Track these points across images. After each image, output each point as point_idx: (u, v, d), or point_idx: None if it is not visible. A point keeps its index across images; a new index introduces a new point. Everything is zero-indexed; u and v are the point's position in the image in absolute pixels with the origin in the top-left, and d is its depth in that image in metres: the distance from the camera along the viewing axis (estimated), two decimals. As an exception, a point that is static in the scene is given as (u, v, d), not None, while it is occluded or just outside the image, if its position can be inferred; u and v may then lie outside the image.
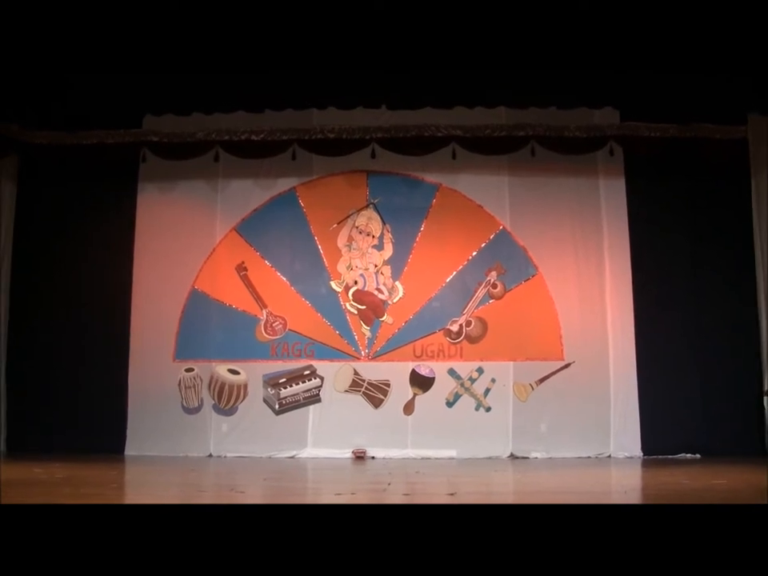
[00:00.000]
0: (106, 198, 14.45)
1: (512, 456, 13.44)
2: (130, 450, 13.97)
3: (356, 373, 13.96)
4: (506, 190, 14.16)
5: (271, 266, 14.30)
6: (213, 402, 14.08)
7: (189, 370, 14.20)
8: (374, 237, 14.30)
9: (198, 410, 14.16)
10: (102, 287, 14.36)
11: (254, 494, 9.47)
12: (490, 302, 13.98)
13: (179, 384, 14.18)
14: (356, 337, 14.06)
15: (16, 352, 14.27)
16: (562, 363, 13.69)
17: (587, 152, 13.84)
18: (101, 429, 13.84)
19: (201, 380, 14.14)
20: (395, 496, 9.03)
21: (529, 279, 13.98)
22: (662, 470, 11.35)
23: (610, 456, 13.32)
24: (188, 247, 14.45)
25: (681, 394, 13.36)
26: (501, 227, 14.07)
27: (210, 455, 13.85)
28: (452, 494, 8.74)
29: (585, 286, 13.86)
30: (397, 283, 14.14)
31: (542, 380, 13.70)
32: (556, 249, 13.98)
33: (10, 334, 14.63)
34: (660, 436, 13.34)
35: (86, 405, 13.75)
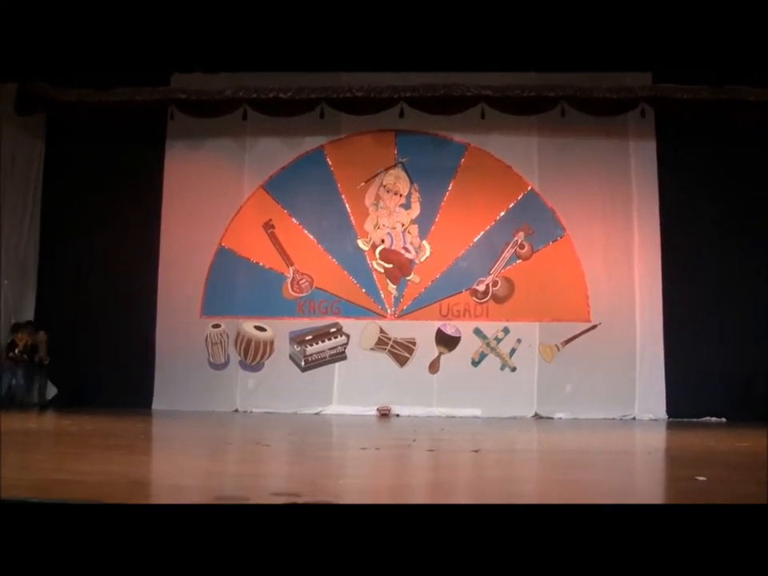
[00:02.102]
0: (134, 156, 14.50)
1: (536, 416, 13.49)
2: (157, 405, 14.14)
3: (382, 331, 14.01)
4: (534, 150, 14.09)
5: (298, 224, 14.33)
6: (239, 358, 14.19)
7: (216, 326, 14.31)
8: (401, 196, 14.29)
9: (224, 365, 14.28)
10: (129, 245, 14.46)
11: (280, 448, 9.58)
12: (517, 262, 13.97)
13: (206, 340, 14.30)
14: (382, 295, 14.10)
15: (45, 310, 14.40)
16: (589, 325, 13.68)
17: (618, 113, 13.72)
18: (129, 384, 14.01)
19: (227, 336, 14.25)
20: (419, 453, 9.11)
21: (556, 240, 13.94)
22: (686, 432, 11.37)
23: (634, 418, 13.33)
24: (215, 205, 14.51)
25: (707, 358, 13.32)
26: (529, 188, 14.01)
27: (237, 410, 13.99)
28: (476, 451, 8.80)
29: (612, 248, 13.80)
30: (424, 242, 14.14)
31: (567, 341, 13.71)
32: (584, 210, 13.92)
33: (39, 293, 14.78)
34: (685, 399, 13.34)
35: (115, 361, 13.90)
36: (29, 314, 14.70)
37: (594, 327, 13.67)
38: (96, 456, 8.23)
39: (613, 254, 13.81)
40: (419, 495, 6.21)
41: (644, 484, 6.96)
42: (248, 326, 14.23)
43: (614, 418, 13.24)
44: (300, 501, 4.86)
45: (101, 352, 13.81)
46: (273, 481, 6.90)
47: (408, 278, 14.11)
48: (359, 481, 6.73)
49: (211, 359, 14.32)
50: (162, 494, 5.75)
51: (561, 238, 13.91)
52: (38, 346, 14.02)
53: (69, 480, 6.31)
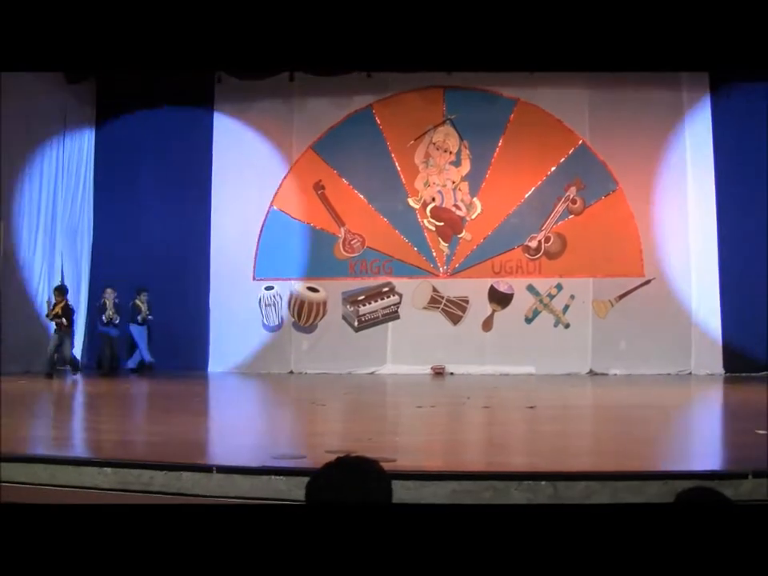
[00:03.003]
0: (183, 121, 14.53)
1: (591, 372, 13.40)
2: (212, 368, 14.28)
3: (434, 289, 13.98)
4: (585, 103, 13.85)
5: (348, 184, 14.30)
6: (293, 320, 14.25)
7: (269, 288, 14.38)
8: (451, 153, 14.18)
9: (278, 327, 14.37)
10: (180, 209, 14.53)
11: (334, 407, 9.65)
12: (569, 217, 13.81)
13: (259, 302, 14.38)
14: (434, 254, 14.04)
15: (100, 278, 14.55)
16: (643, 279, 13.50)
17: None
18: (184, 347, 14.15)
19: (281, 298, 14.32)
20: (475, 410, 9.11)
21: (609, 195, 13.74)
22: (744, 387, 11.25)
23: (690, 373, 13.17)
24: (265, 167, 14.52)
25: (764, 313, 13.08)
26: (580, 142, 13.82)
27: (291, 372, 14.07)
28: (532, 407, 8.79)
29: (667, 202, 13.56)
30: (475, 199, 14.04)
31: (621, 296, 13.56)
32: (637, 163, 13.66)
33: (94, 260, 14.96)
34: (742, 354, 13.12)
35: (170, 325, 14.02)
36: (83, 280, 14.89)
37: (648, 282, 13.50)
38: (155, 417, 8.37)
39: (667, 208, 13.57)
40: (476, 452, 6.22)
41: (702, 438, 6.91)
42: (301, 288, 14.28)
43: (669, 374, 13.09)
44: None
45: (155, 317, 13.95)
46: (328, 439, 6.95)
47: (459, 236, 14.04)
48: (415, 438, 6.76)
49: (265, 321, 14.41)
50: (220, 454, 5.82)
51: (613, 192, 13.71)
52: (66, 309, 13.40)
53: (129, 440, 6.42)
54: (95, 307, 14.06)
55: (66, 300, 13.27)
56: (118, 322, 13.61)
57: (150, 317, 13.88)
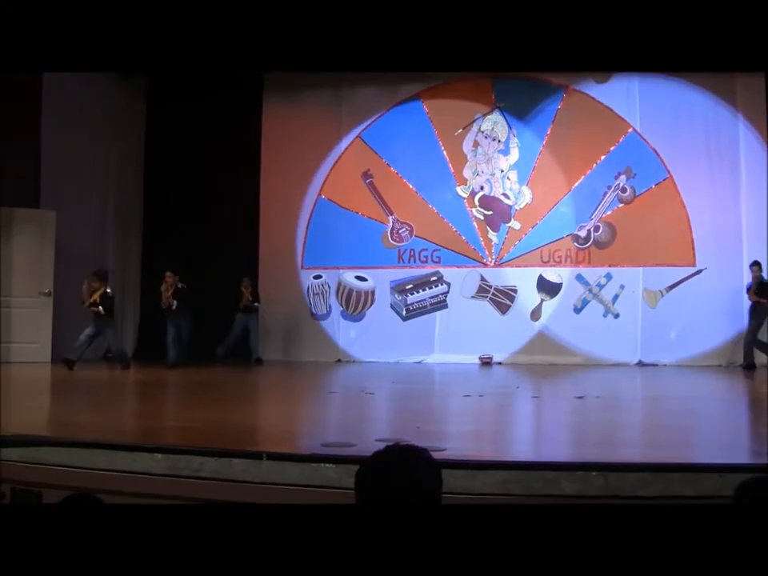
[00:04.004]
0: (232, 110, 14.60)
1: (640, 363, 13.25)
2: (260, 355, 14.33)
3: (483, 279, 13.93)
4: (636, 91, 13.68)
5: (396, 173, 14.29)
6: (341, 309, 14.30)
7: (317, 277, 14.44)
8: (499, 141, 14.10)
9: (326, 316, 14.43)
10: (230, 197, 14.64)
11: (382, 396, 9.67)
12: (619, 206, 13.66)
13: (307, 291, 14.45)
14: (482, 242, 13.99)
15: (150, 263, 14.71)
16: (694, 269, 13.31)
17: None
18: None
19: (329, 287, 14.37)
20: (523, 400, 9.08)
21: (660, 183, 13.56)
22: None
23: (741, 365, 12.96)
24: (314, 156, 14.56)
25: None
26: (630, 130, 13.66)
27: (339, 360, 14.12)
28: (581, 397, 8.74)
29: (719, 190, 13.35)
30: (524, 188, 13.95)
31: (672, 286, 13.39)
32: (688, 151, 13.47)
33: (144, 246, 15.13)
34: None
35: (219, 312, 14.11)
36: (134, 266, 15.06)
37: (699, 272, 13.32)
38: (205, 405, 8.44)
39: (719, 197, 13.36)
40: (525, 442, 6.20)
41: (758, 431, 6.80)
42: (349, 277, 14.32)
43: (720, 365, 12.91)
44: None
45: (204, 304, 14.04)
46: (377, 427, 6.97)
47: (508, 225, 13.97)
48: (464, 427, 6.76)
49: (313, 310, 14.48)
50: (269, 441, 5.86)
51: (664, 180, 13.53)
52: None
53: (181, 427, 6.49)
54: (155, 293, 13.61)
55: (106, 286, 12.31)
56: (176, 307, 12.90)
57: (256, 304, 13.85)
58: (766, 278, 12.48)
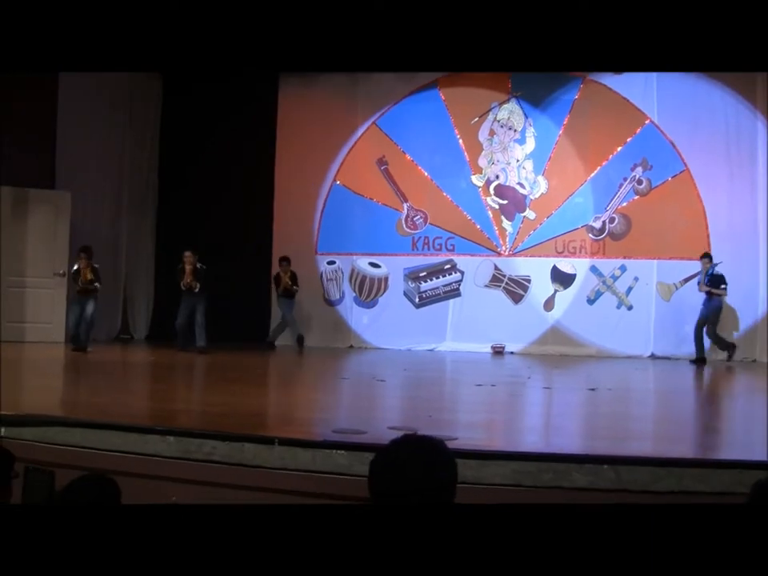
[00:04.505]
0: (248, 95, 14.55)
1: (653, 356, 13.21)
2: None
3: (496, 268, 13.91)
4: (653, 82, 13.58)
5: (412, 160, 14.26)
6: (354, 295, 14.30)
7: (330, 263, 14.45)
8: (515, 131, 14.05)
9: (339, 302, 14.44)
10: (245, 181, 14.63)
11: (394, 383, 9.68)
12: (635, 198, 13.60)
13: (321, 276, 14.46)
14: (497, 231, 13.96)
15: (165, 249, 14.72)
16: (709, 263, 13.24)
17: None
18: (246, 319, 14.23)
19: (342, 273, 14.38)
20: (535, 390, 9.07)
21: (676, 176, 13.48)
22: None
23: (755, 360, 12.90)
24: (329, 141, 14.54)
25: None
26: (648, 121, 13.58)
27: (351, 346, 14.13)
28: (592, 389, 8.73)
29: (736, 184, 13.25)
30: (539, 178, 13.90)
31: (686, 280, 13.33)
32: (706, 144, 13.37)
33: (158, 229, 15.15)
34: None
35: (231, 296, 14.12)
36: (148, 249, 15.09)
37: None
38: (216, 388, 8.47)
39: (736, 190, 13.27)
40: (536, 433, 6.20)
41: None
42: (363, 263, 14.32)
43: (734, 360, 12.84)
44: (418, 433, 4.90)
45: (218, 287, 14.06)
46: (389, 414, 6.98)
47: (523, 215, 13.93)
48: (476, 416, 6.76)
49: (326, 295, 14.48)
50: (281, 426, 5.87)
51: (681, 173, 13.46)
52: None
53: (191, 410, 6.50)
54: (169, 275, 13.46)
55: (92, 262, 12.21)
56: (198, 289, 12.61)
57: (295, 287, 13.74)
58: (715, 270, 12.48)
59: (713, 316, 12.44)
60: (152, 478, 4.60)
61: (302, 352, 13.43)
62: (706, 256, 12.51)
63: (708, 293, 12.43)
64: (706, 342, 12.55)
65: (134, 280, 14.88)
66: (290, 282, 13.68)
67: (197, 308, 12.62)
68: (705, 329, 12.47)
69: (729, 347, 12.57)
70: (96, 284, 12.19)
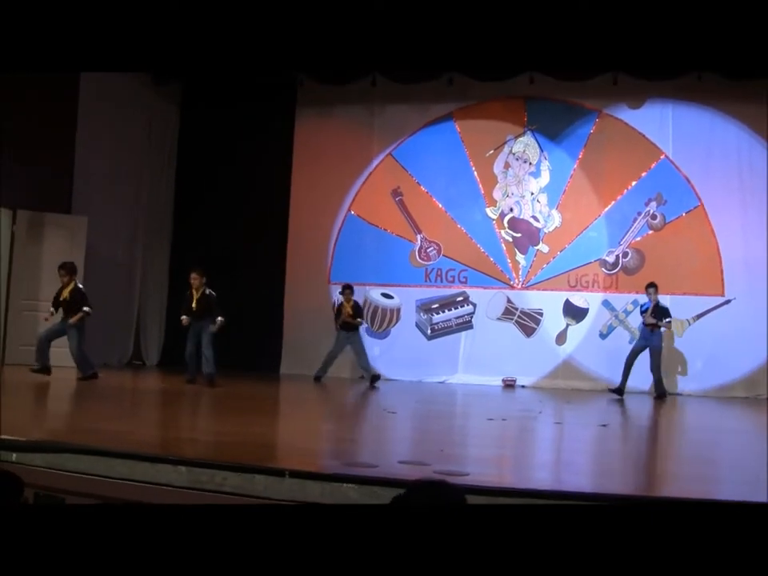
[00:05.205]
0: (265, 123, 14.67)
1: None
2: (284, 369, 14.38)
3: (509, 301, 13.89)
4: (669, 117, 13.62)
5: (426, 192, 14.30)
6: (366, 325, 14.27)
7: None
8: (531, 164, 14.09)
9: (351, 332, 14.41)
10: (259, 210, 14.68)
11: (405, 415, 9.64)
12: (649, 233, 13.60)
13: (333, 306, 14.44)
14: (510, 264, 13.96)
15: (177, 272, 14.75)
16: (722, 299, 13.21)
17: (760, 77, 13.03)
18: (257, 348, 14.25)
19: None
20: (546, 425, 9.03)
21: (690, 211, 13.48)
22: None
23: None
24: (344, 171, 14.60)
25: None
26: (663, 156, 13.60)
27: (362, 377, 14.07)
28: (604, 425, 8.68)
29: (751, 220, 13.21)
30: (553, 211, 13.92)
31: (699, 316, 13.30)
32: (721, 180, 13.37)
33: (173, 253, 15.19)
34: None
35: (244, 325, 14.13)
36: (163, 274, 15.13)
37: (727, 302, 13.21)
38: (227, 417, 8.45)
39: (751, 226, 13.23)
40: (546, 469, 6.16)
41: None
42: (375, 294, 14.33)
43: (747, 397, 12.77)
44: (428, 470, 4.89)
45: (229, 314, 14.06)
46: (400, 448, 6.95)
47: (536, 248, 13.93)
48: (487, 451, 6.72)
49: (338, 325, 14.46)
50: (292, 458, 5.85)
51: (695, 208, 13.46)
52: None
53: (203, 440, 6.49)
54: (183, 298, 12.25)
55: (76, 281, 11.23)
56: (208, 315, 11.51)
57: (358, 320, 12.99)
58: (661, 303, 12.37)
59: (657, 352, 12.24)
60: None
61: (373, 389, 12.38)
62: (652, 286, 12.36)
63: (653, 325, 12.22)
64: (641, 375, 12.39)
65: (147, 305, 14.91)
66: (350, 313, 12.95)
67: (203, 336, 11.53)
68: (650, 365, 12.22)
69: (662, 395, 12.21)
70: (85, 308, 10.95)
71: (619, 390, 12.09)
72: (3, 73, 10.61)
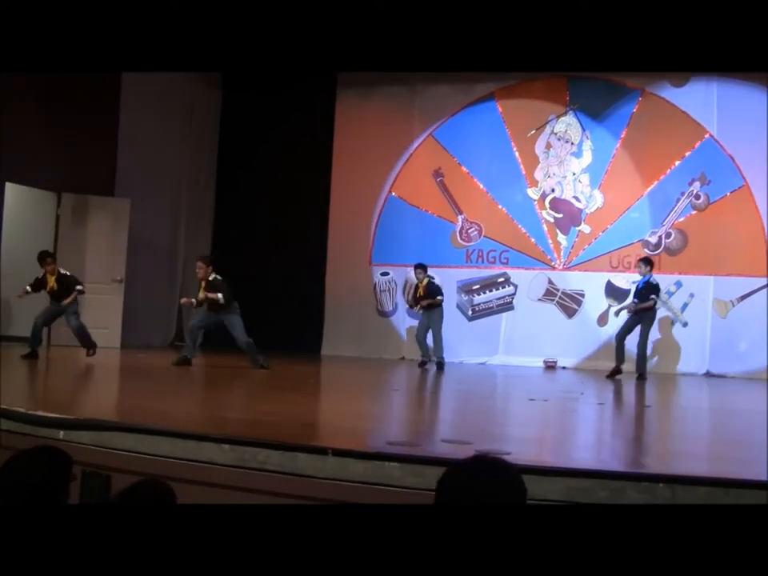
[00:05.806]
0: (305, 105, 14.70)
1: (708, 374, 13.02)
2: (325, 350, 14.45)
3: (550, 282, 13.83)
4: (714, 95, 13.42)
5: (468, 172, 14.25)
6: (407, 307, 14.28)
7: (384, 273, 14.48)
8: (572, 144, 13.97)
9: (392, 313, 14.46)
10: (301, 192, 14.74)
11: (446, 396, 9.66)
12: (692, 213, 13.44)
13: (374, 287, 14.48)
14: (551, 245, 13.88)
15: (220, 255, 14.82)
16: (767, 280, 13.03)
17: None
18: (299, 329, 14.34)
19: (396, 284, 14.39)
20: (588, 406, 8.99)
21: (735, 191, 13.29)
22: None
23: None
24: (385, 153, 14.58)
25: None
26: (707, 135, 13.41)
27: (403, 358, 14.12)
28: (647, 407, 8.64)
29: (797, 200, 13.03)
30: (595, 191, 13.80)
31: (743, 297, 13.13)
32: (766, 159, 13.18)
33: (215, 240, 15.30)
34: None
35: (285, 306, 14.23)
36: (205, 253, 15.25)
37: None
38: (271, 397, 8.51)
39: (796, 206, 13.04)
40: (589, 449, 6.14)
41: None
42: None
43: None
44: (471, 449, 4.89)
45: (271, 296, 14.16)
46: (442, 427, 6.97)
47: (578, 228, 13.84)
48: (529, 431, 6.71)
49: (379, 307, 14.51)
50: (334, 437, 5.88)
51: (740, 188, 13.26)
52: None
53: (246, 419, 6.54)
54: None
55: (57, 267, 11.11)
56: (222, 301, 10.81)
57: (439, 297, 12.40)
58: (652, 278, 11.86)
59: (646, 330, 11.70)
60: (206, 484, 4.63)
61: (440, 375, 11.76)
62: (645, 261, 11.92)
63: (644, 309, 11.69)
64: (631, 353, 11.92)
65: (190, 287, 15.01)
66: (422, 293, 12.46)
67: (233, 327, 10.86)
68: (638, 341, 11.73)
69: (643, 375, 11.52)
70: (78, 287, 11.04)
71: (615, 372, 11.69)
72: (47, 73, 10.74)
